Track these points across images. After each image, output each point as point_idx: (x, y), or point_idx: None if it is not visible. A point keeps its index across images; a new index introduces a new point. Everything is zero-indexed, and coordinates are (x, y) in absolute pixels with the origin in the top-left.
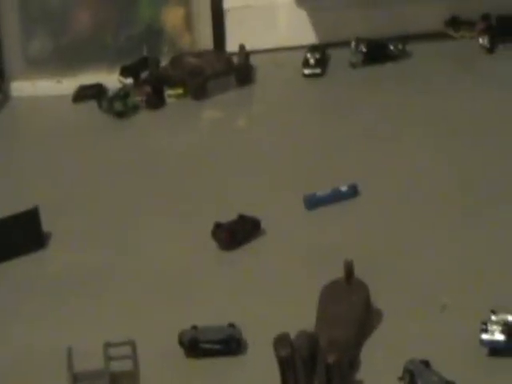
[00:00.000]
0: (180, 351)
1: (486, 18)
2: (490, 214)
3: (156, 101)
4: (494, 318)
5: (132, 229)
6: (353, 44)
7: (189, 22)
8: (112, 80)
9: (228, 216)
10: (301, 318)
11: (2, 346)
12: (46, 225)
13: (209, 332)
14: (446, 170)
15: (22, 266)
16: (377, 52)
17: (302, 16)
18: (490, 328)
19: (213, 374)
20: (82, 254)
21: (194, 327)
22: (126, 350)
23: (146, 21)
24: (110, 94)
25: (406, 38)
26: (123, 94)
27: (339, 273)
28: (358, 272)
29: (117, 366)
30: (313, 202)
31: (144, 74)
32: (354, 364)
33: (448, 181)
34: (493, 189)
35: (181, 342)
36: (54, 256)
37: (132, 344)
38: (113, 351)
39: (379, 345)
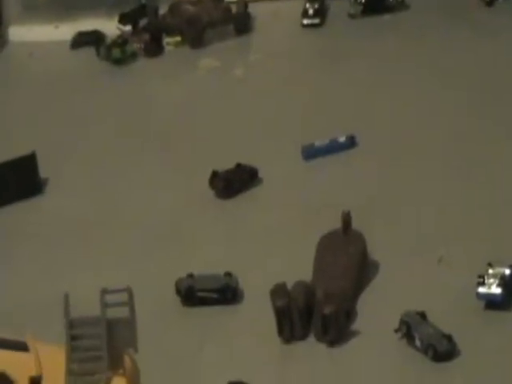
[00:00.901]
0: (176, 299)
1: None
2: (489, 165)
3: (154, 48)
4: (490, 271)
5: (129, 176)
6: None
7: None
8: (110, 27)
9: (225, 165)
10: (298, 269)
11: (3, 294)
12: (44, 171)
13: (205, 281)
14: (444, 121)
15: (19, 211)
16: (375, 3)
17: None
18: (486, 281)
19: (208, 322)
20: (79, 200)
21: (191, 276)
22: (123, 296)
23: None
24: (109, 41)
25: None
26: (121, 42)
27: (337, 224)
28: (356, 223)
29: (113, 313)
30: (310, 153)
31: (142, 22)
32: (350, 315)
33: (445, 131)
34: (490, 140)
35: (177, 291)
36: (51, 202)
37: (129, 291)
38: (109, 298)
39: (376, 296)
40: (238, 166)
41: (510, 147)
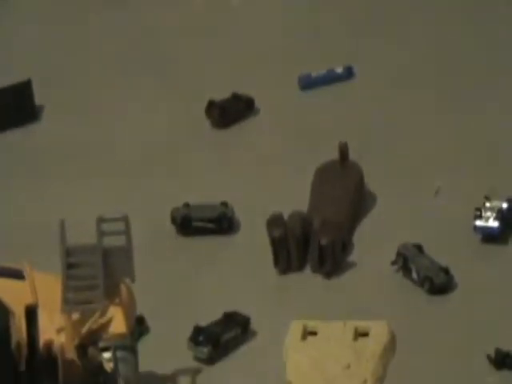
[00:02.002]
0: (172, 228)
1: None
2: (485, 98)
3: None
4: (488, 204)
5: (125, 104)
6: None
7: None
8: None
9: (222, 94)
10: (294, 199)
11: None
12: (39, 97)
13: (201, 210)
14: (440, 54)
15: (15, 137)
16: None
17: None
18: (484, 214)
19: (204, 252)
20: (74, 126)
21: (187, 205)
22: (120, 225)
23: None
24: None
25: None
26: None
27: (333, 155)
28: (352, 154)
29: (110, 241)
30: (307, 83)
31: None
32: (347, 246)
33: (442, 65)
34: (486, 73)
35: (173, 220)
36: (46, 129)
37: (125, 219)
38: (106, 226)
39: (373, 228)
40: (234, 95)
41: (505, 80)
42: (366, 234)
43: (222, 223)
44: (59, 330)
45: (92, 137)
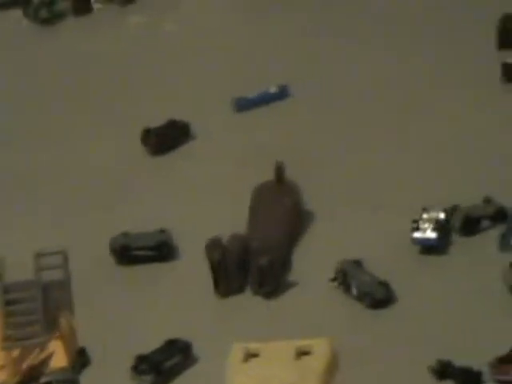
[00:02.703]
0: (111, 258)
1: None
2: (419, 117)
3: (82, 7)
4: (425, 215)
5: (62, 135)
6: None
7: None
8: None
9: (157, 121)
10: (232, 222)
11: None
12: None
13: (140, 238)
14: (377, 65)
15: None
16: None
17: None
18: (421, 226)
19: (145, 280)
20: (12, 158)
21: (125, 234)
22: (57, 258)
23: None
24: (35, 0)
25: None
26: (49, 1)
27: (270, 175)
28: (290, 173)
29: (48, 276)
30: (242, 105)
31: None
32: (286, 265)
33: (375, 82)
34: (424, 90)
35: (112, 249)
36: None
37: (63, 253)
38: (43, 261)
39: (311, 246)
40: (170, 121)
41: (439, 97)
42: (304, 253)
43: (162, 250)
44: (1, 367)
45: (29, 168)
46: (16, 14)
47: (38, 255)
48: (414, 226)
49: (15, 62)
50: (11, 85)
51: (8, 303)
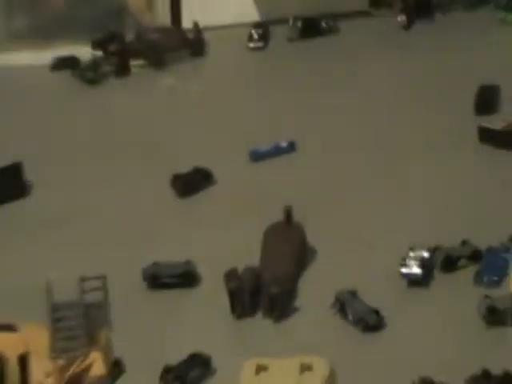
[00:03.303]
0: (143, 284)
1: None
2: (407, 168)
3: (123, 70)
4: (411, 254)
5: (101, 179)
6: (290, 21)
7: (150, 2)
8: (84, 52)
9: (184, 169)
10: (247, 256)
11: None
12: (28, 175)
13: (168, 268)
14: (371, 127)
15: (8, 211)
16: (311, 28)
17: None
18: (408, 263)
19: (172, 303)
20: (58, 200)
21: (156, 264)
22: (98, 283)
23: (112, 1)
24: (83, 64)
25: (335, 16)
26: (94, 65)
27: (280, 216)
28: (296, 216)
29: (90, 297)
30: (257, 156)
31: (112, 47)
32: (292, 294)
33: (372, 136)
34: (411, 145)
35: (144, 277)
36: (34, 203)
37: (103, 278)
38: (86, 284)
39: (314, 278)
40: (195, 169)
41: (426, 154)
42: (308, 284)
43: (186, 278)
44: (48, 374)
45: (72, 209)
46: (66, 74)
47: (82, 279)
48: (402, 262)
49: (65, 113)
50: (60, 134)
51: (56, 320)
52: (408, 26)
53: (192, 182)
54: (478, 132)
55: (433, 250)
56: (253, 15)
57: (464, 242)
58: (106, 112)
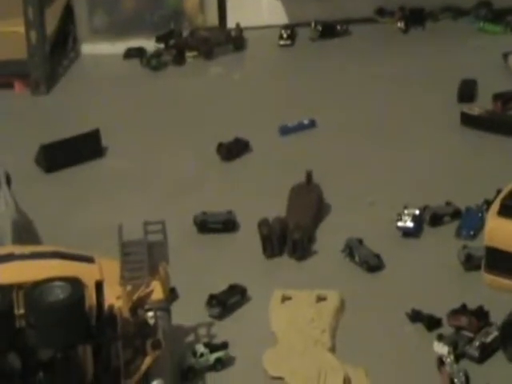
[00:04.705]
0: (194, 228)
1: (402, 9)
2: (403, 144)
3: (179, 60)
4: (405, 211)
5: (162, 146)
6: (312, 24)
7: (202, 7)
8: (150, 45)
9: (227, 138)
10: (276, 208)
11: (75, 225)
12: (105, 141)
13: (213, 216)
14: (375, 110)
15: (88, 168)
16: (328, 30)
17: (278, 4)
18: (403, 218)
19: (216, 244)
20: (128, 161)
21: (204, 212)
22: (158, 226)
23: (172, 5)
24: (148, 54)
25: (348, 21)
26: (157, 54)
27: (302, 179)
28: (315, 178)
29: (152, 237)
30: (285, 130)
31: (171, 41)
32: (311, 240)
33: (375, 118)
34: (406, 126)
35: (194, 223)
36: (109, 163)
37: (162, 223)
38: (149, 228)
39: (328, 227)
40: (236, 139)
41: (419, 132)
42: (323, 232)
43: (228, 225)
44: (118, 297)
45: (139, 168)
46: (135, 61)
47: (146, 223)
48: (398, 218)
49: (134, 93)
50: (131, 110)
51: (124, 254)
52: (405, 30)
53: (233, 150)
54: (460, 116)
55: (423, 209)
56: (282, 18)
57: (448, 203)
58: (166, 92)
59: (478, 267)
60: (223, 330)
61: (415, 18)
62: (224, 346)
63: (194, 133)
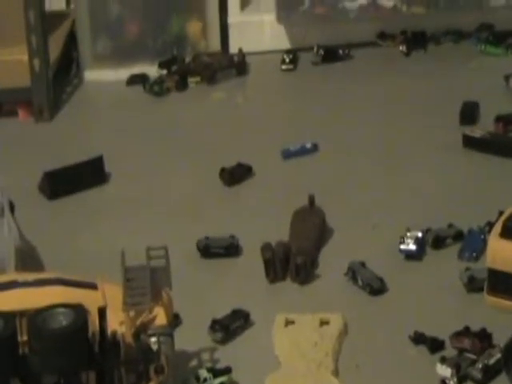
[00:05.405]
0: (197, 253)
1: (403, 32)
2: (405, 167)
3: (182, 85)
4: (408, 233)
5: (165, 171)
6: (315, 49)
7: (204, 32)
8: (153, 71)
9: (230, 162)
10: (279, 233)
11: (78, 252)
12: (108, 167)
13: (216, 241)
14: (377, 133)
15: (92, 194)
16: (331, 54)
17: (281, 28)
18: (405, 241)
19: (219, 269)
20: (130, 187)
21: (207, 237)
22: (161, 252)
23: (175, 30)
24: (151, 80)
25: (350, 46)
26: (160, 81)
27: (305, 202)
28: (318, 202)
29: (154, 263)
30: (287, 154)
31: (174, 67)
32: (314, 263)
33: (377, 141)
34: (408, 149)
35: (197, 248)
36: (112, 188)
37: (165, 248)
38: (152, 253)
39: (331, 251)
40: (238, 164)
41: (420, 154)
42: (326, 255)
43: (231, 249)
44: (121, 323)
45: (141, 193)
46: (139, 87)
47: (148, 249)
48: (401, 240)
49: (137, 118)
50: (132, 136)
51: (128, 280)
52: (407, 54)
53: (236, 174)
54: (462, 139)
55: (425, 231)
56: (285, 43)
57: (450, 225)
58: (169, 118)
59: (480, 289)
60: (226, 355)
61: (417, 42)
62: (227, 370)
63: (197, 158)
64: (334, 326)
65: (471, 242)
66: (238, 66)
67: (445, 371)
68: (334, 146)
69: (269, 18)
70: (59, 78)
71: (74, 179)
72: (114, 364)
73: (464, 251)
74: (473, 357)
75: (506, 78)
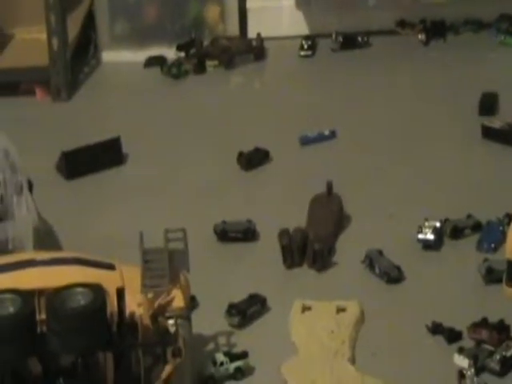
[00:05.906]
0: (214, 237)
1: (423, 21)
2: (424, 156)
3: (200, 69)
4: (426, 223)
5: (182, 154)
6: (333, 35)
7: (223, 16)
8: (170, 53)
9: (248, 147)
10: (296, 219)
11: (96, 232)
12: (125, 148)
13: (233, 225)
14: (395, 121)
15: (109, 175)
16: (349, 42)
17: (299, 14)
18: (424, 230)
19: (236, 253)
20: (148, 168)
21: (224, 221)
22: (179, 234)
23: (194, 14)
24: (169, 62)
25: (369, 33)
26: (178, 63)
27: (323, 189)
28: (336, 189)
29: (172, 245)
30: (305, 141)
31: (192, 50)
32: (331, 251)
33: (396, 128)
34: (427, 138)
35: (214, 232)
36: (130, 170)
37: (183, 230)
38: (170, 235)
39: (348, 238)
40: (256, 149)
41: (439, 144)
42: (344, 243)
43: (248, 234)
44: (139, 305)
45: (159, 175)
46: (156, 70)
47: (167, 231)
48: (419, 230)
49: (154, 101)
50: (151, 118)
51: (146, 262)
52: (426, 43)
53: (253, 159)
54: (482, 129)
55: (443, 221)
56: (304, 29)
57: (468, 216)
58: (186, 101)
59: (499, 280)
60: (243, 340)
61: (436, 31)
62: (244, 355)
63: (214, 142)
64: (351, 313)
65: (490, 234)
66: (256, 50)
67: (462, 362)
68: (352, 133)
69: (288, 3)
70: (77, 58)
71: (92, 159)
72: (131, 345)
73: (482, 242)
74: (490, 348)
75: None
